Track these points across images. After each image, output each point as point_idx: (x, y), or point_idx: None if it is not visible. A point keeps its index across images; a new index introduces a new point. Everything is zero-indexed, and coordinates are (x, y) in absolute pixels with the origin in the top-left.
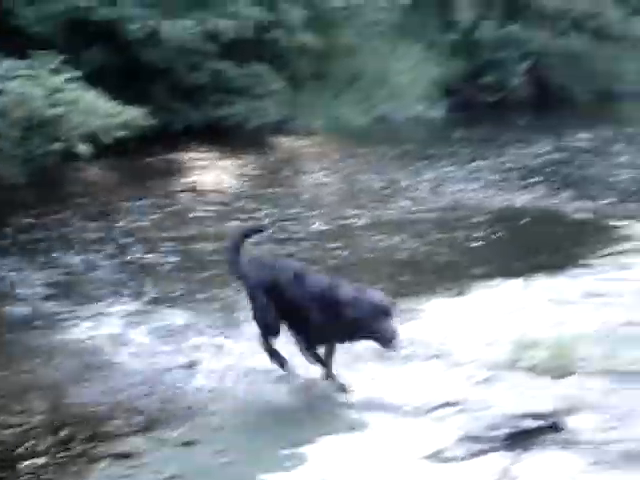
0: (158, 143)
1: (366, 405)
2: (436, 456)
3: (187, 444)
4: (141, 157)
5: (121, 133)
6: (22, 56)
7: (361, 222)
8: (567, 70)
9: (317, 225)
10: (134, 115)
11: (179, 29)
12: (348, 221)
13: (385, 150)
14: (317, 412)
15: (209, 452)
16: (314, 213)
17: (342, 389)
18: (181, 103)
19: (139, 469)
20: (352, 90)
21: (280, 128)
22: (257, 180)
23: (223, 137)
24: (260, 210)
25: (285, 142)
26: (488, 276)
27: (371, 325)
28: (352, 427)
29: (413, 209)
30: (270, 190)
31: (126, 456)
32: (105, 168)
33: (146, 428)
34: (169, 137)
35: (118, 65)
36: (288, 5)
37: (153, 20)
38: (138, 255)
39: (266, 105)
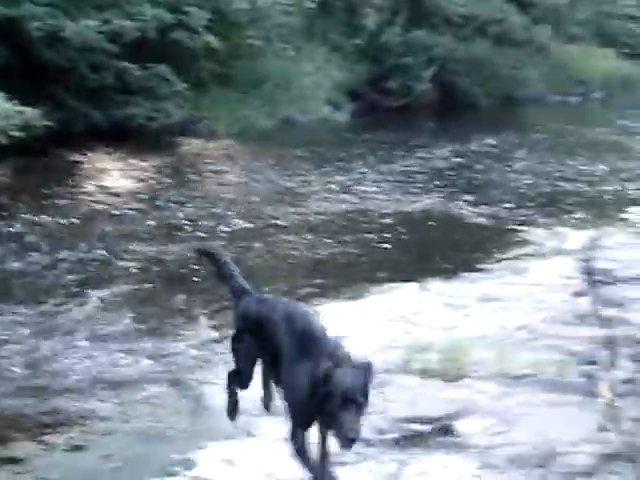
0: (62, 144)
1: (258, 410)
2: None
3: (76, 449)
4: (45, 158)
5: (19, 134)
6: None
7: (270, 224)
8: (472, 75)
9: (228, 226)
10: (34, 116)
11: (82, 29)
12: (258, 223)
13: (293, 152)
14: (209, 418)
15: (97, 457)
16: (229, 213)
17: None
18: (84, 103)
19: (26, 474)
20: (257, 92)
21: (185, 130)
22: (165, 181)
23: (128, 138)
24: (170, 209)
25: (191, 144)
26: (386, 279)
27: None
28: (243, 432)
29: (322, 211)
30: (178, 191)
31: (13, 461)
32: (5, 169)
33: (35, 433)
34: (73, 138)
35: (19, 64)
36: (192, 6)
37: (56, 19)
38: (60, 255)
39: (170, 106)
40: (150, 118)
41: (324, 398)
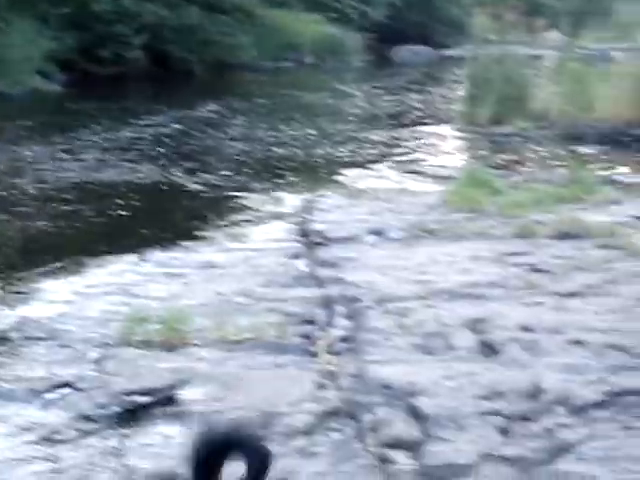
0: None
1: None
2: (47, 439)
3: None
4: None
5: None
6: None
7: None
8: (184, 43)
9: None
10: None
11: None
12: None
13: (8, 125)
14: None
15: None
16: None
17: None
18: None
19: None
20: None
21: None
22: None
23: None
24: None
25: None
26: (104, 252)
27: None
28: None
29: (41, 185)
30: None
31: None
32: None
33: None
34: None
35: None
36: None
37: None
38: None
39: None
40: None
41: None
